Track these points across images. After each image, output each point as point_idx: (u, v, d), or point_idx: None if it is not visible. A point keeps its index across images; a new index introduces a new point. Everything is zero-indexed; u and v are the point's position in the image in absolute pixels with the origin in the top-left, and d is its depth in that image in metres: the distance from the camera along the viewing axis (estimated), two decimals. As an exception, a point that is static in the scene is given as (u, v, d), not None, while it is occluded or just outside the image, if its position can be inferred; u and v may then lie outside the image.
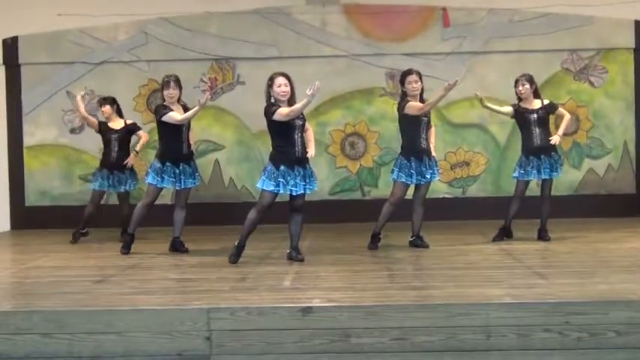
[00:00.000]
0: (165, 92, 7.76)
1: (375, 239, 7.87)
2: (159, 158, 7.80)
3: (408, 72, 7.74)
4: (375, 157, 10.76)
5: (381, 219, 7.82)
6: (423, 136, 7.74)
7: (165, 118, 7.66)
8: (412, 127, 7.70)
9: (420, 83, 7.68)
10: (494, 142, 10.72)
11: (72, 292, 5.83)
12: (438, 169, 7.87)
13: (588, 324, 4.84)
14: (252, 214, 7.09)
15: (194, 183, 7.94)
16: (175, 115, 7.65)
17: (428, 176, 7.73)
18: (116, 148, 8.90)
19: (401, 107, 7.73)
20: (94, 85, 10.68)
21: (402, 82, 7.74)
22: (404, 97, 7.73)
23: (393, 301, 5.20)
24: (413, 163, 7.69)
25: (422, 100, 7.72)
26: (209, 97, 7.47)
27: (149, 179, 7.80)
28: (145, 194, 7.93)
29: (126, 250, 7.88)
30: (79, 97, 8.86)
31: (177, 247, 7.94)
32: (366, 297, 5.36)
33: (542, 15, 10.58)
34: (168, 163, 7.76)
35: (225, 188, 10.79)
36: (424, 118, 7.71)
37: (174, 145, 7.78)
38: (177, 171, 7.78)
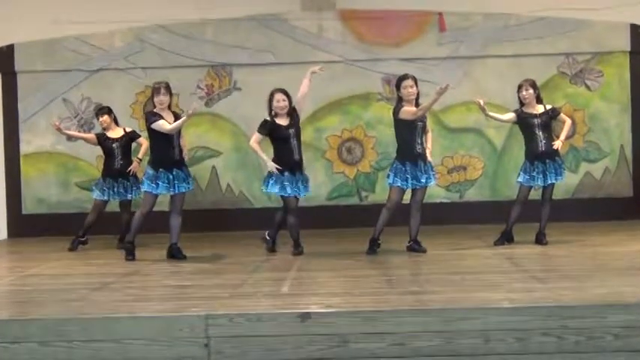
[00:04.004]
0: (156, 99, 7.77)
1: (373, 244, 7.86)
2: (152, 165, 7.83)
3: (404, 77, 7.75)
4: (372, 162, 10.75)
5: (379, 224, 7.81)
6: (418, 140, 7.74)
7: (154, 126, 7.69)
8: (407, 132, 7.71)
9: (415, 88, 7.69)
10: (491, 146, 10.71)
11: (70, 299, 5.81)
12: (434, 174, 7.87)
13: (586, 327, 4.84)
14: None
15: (188, 187, 7.94)
16: (164, 124, 7.67)
17: (423, 180, 7.73)
18: (119, 157, 8.92)
19: (395, 112, 7.74)
20: (90, 92, 10.70)
21: (398, 87, 7.76)
22: (399, 102, 7.75)
23: (391, 306, 5.20)
24: (408, 168, 7.69)
25: (417, 105, 7.72)
26: (196, 107, 7.53)
27: (145, 187, 7.84)
28: (142, 203, 7.94)
29: (131, 256, 7.91)
30: (62, 128, 9.02)
31: (174, 254, 7.92)
32: (364, 302, 5.36)
33: (538, 19, 10.58)
34: (161, 170, 7.77)
35: (222, 194, 10.77)
36: (419, 123, 7.71)
37: (166, 151, 7.79)
38: (170, 176, 7.79)
